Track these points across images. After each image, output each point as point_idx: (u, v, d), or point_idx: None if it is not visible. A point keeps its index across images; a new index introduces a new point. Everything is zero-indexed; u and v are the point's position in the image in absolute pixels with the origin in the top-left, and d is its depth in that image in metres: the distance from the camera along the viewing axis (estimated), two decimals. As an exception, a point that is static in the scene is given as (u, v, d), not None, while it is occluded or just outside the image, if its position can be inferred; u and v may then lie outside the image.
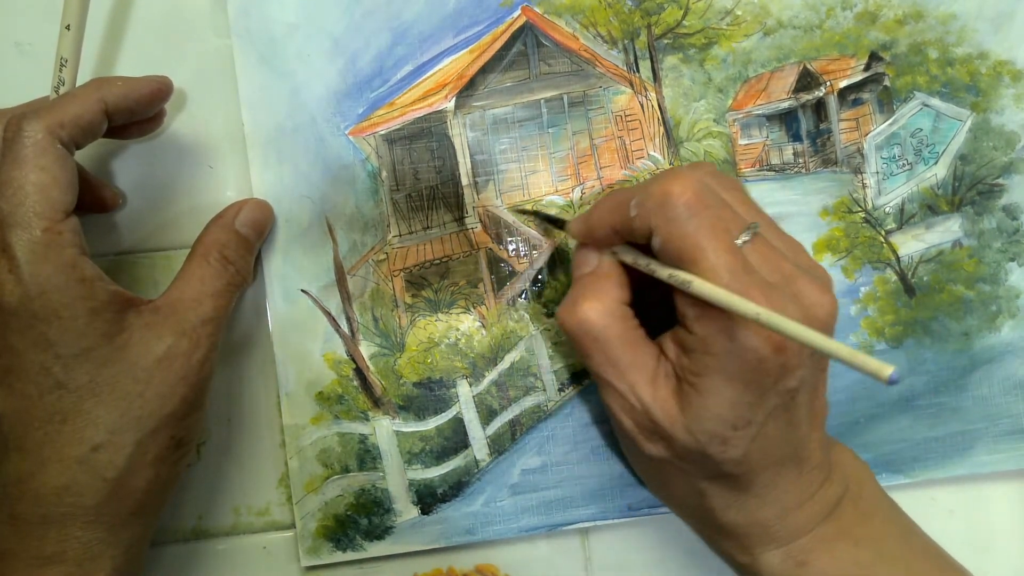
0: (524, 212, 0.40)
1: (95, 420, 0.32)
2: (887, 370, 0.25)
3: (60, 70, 0.34)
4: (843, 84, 0.41)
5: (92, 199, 0.38)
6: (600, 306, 0.33)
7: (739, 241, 0.31)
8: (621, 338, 0.33)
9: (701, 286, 0.29)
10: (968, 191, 0.41)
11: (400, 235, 0.40)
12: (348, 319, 0.40)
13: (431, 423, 0.40)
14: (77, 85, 0.34)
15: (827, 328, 0.31)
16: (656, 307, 0.34)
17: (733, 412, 0.31)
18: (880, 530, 0.35)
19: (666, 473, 0.35)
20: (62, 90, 0.34)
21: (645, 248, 0.33)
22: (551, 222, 0.39)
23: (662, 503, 0.39)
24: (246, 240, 0.37)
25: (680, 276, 0.30)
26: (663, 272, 0.31)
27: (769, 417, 0.31)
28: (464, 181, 0.40)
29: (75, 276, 0.31)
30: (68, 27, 0.34)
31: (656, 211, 0.31)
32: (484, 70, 0.40)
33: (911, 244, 0.41)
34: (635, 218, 0.31)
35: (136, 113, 0.35)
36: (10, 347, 0.31)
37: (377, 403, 0.40)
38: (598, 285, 0.34)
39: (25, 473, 0.32)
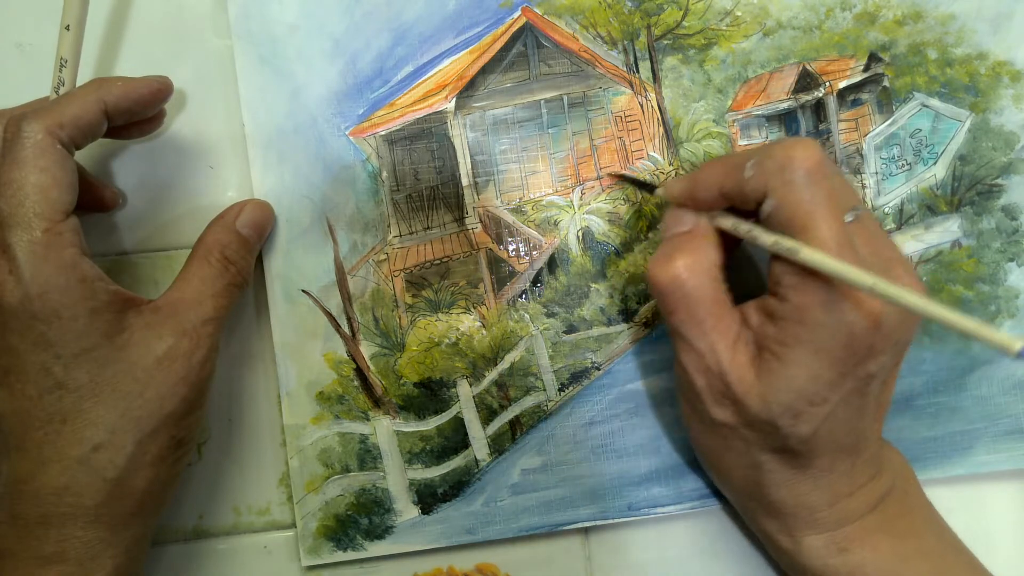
0: (612, 175, 0.40)
1: (95, 420, 0.32)
2: (1017, 344, 0.25)
3: (60, 70, 0.34)
4: (842, 85, 0.41)
5: (92, 199, 0.38)
6: (695, 264, 0.33)
7: (847, 218, 0.31)
8: (711, 298, 0.33)
9: (811, 254, 0.29)
10: (967, 191, 0.41)
11: (400, 235, 0.40)
12: (348, 319, 0.40)
13: (431, 423, 0.40)
14: (77, 85, 0.34)
15: (916, 321, 0.31)
16: (735, 279, 0.34)
17: (812, 386, 0.31)
18: (920, 526, 0.35)
19: (726, 440, 0.35)
20: (62, 90, 0.34)
21: (745, 216, 0.33)
22: (640, 185, 0.39)
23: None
24: (247, 241, 0.37)
25: (786, 243, 0.30)
26: (767, 238, 0.31)
27: (843, 399, 0.31)
28: (464, 181, 0.40)
29: (75, 276, 0.31)
30: (68, 27, 0.34)
31: (776, 173, 0.31)
32: (484, 71, 0.40)
33: (910, 244, 0.41)
34: (751, 179, 0.31)
35: (136, 113, 0.35)
36: (10, 347, 0.31)
37: (377, 403, 0.40)
38: (695, 243, 0.34)
39: (25, 473, 0.32)
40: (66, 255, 0.31)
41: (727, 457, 0.36)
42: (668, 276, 0.33)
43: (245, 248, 0.37)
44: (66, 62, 0.34)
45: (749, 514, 0.37)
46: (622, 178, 0.40)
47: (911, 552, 0.34)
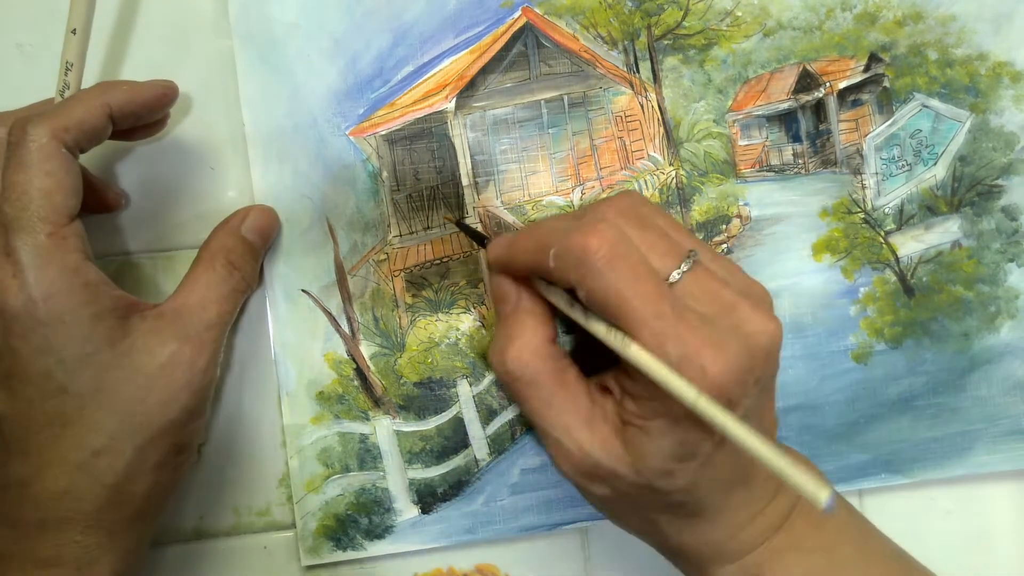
0: (448, 219, 0.39)
1: (96, 425, 0.32)
2: (823, 495, 0.24)
3: (65, 74, 0.34)
4: (843, 85, 0.41)
5: (96, 200, 0.38)
6: (524, 346, 0.32)
7: (677, 273, 0.30)
8: (551, 379, 0.32)
9: (638, 355, 0.28)
10: (967, 192, 0.41)
11: (400, 235, 0.40)
12: (349, 319, 0.40)
13: (431, 423, 0.40)
14: (82, 89, 0.34)
15: (771, 354, 0.30)
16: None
17: (681, 449, 0.30)
18: (832, 537, 0.34)
19: (614, 505, 0.34)
20: (67, 94, 0.34)
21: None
22: (473, 236, 0.38)
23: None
24: (252, 246, 0.37)
25: (616, 339, 0.29)
26: (600, 329, 0.30)
27: (716, 448, 0.31)
28: (464, 181, 0.40)
29: (79, 281, 0.31)
30: (74, 31, 0.34)
31: (575, 267, 0.29)
32: (484, 71, 0.40)
33: (910, 245, 0.41)
34: (554, 269, 0.30)
35: (141, 117, 0.35)
36: (13, 351, 0.31)
37: (377, 403, 0.40)
38: (520, 323, 0.33)
39: (25, 476, 0.32)
40: (70, 260, 0.31)
41: (620, 516, 0.35)
42: (501, 367, 0.32)
43: (250, 254, 0.37)
44: (71, 66, 0.34)
45: (664, 556, 0.36)
46: (458, 225, 0.39)
47: (822, 566, 0.33)
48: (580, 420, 0.32)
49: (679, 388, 0.27)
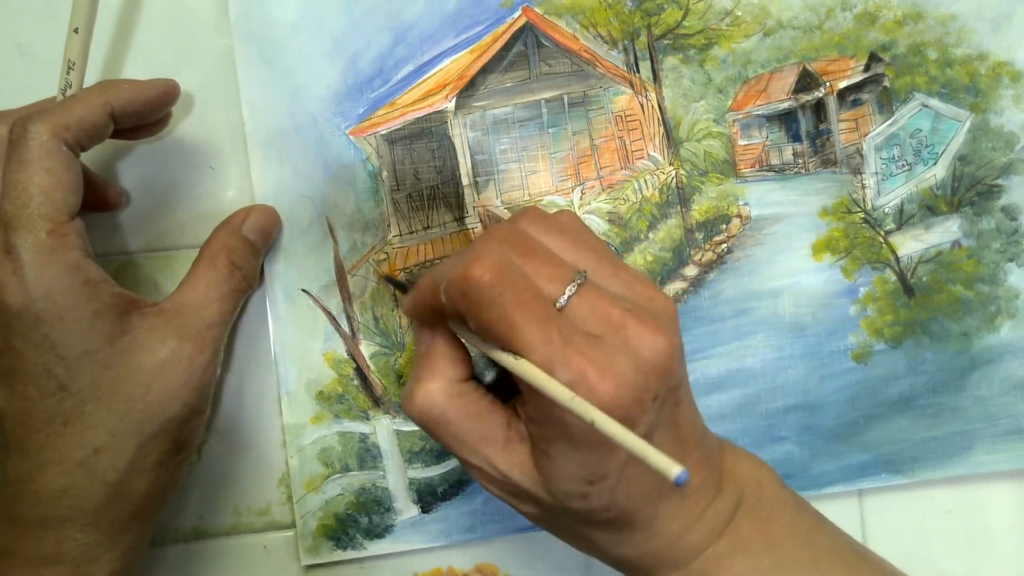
0: (379, 275, 0.40)
1: (96, 423, 0.32)
2: (675, 469, 0.25)
3: (67, 72, 0.34)
4: (842, 85, 0.41)
5: (96, 199, 0.38)
6: (436, 388, 0.32)
7: (564, 296, 0.29)
8: (464, 415, 0.32)
9: (522, 368, 0.28)
10: (967, 192, 0.41)
11: (400, 235, 0.40)
12: (348, 318, 0.40)
13: (431, 422, 0.40)
14: (84, 87, 0.34)
15: (665, 369, 0.29)
16: None
17: (585, 471, 0.30)
18: (779, 535, 0.33)
19: (548, 524, 0.34)
20: (69, 92, 0.34)
21: None
22: (397, 286, 0.39)
23: None
24: (253, 246, 0.37)
25: (504, 358, 0.29)
26: (494, 352, 0.30)
27: (626, 465, 0.30)
28: (465, 181, 0.40)
29: (79, 278, 0.31)
30: (76, 30, 0.34)
31: (460, 299, 0.29)
32: (484, 70, 0.40)
33: (910, 244, 0.41)
34: (446, 304, 0.30)
35: (142, 116, 0.35)
36: (13, 348, 0.31)
37: (377, 402, 0.40)
38: (432, 365, 0.33)
39: (25, 474, 0.32)
40: (70, 257, 0.31)
41: (555, 531, 0.35)
42: (414, 410, 0.32)
43: (251, 253, 0.37)
44: (73, 64, 0.34)
45: (605, 564, 0.36)
46: (387, 279, 0.39)
47: (769, 567, 0.32)
48: (497, 448, 0.32)
49: (555, 390, 0.27)
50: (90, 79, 0.36)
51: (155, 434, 0.33)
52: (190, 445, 0.35)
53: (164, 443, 0.33)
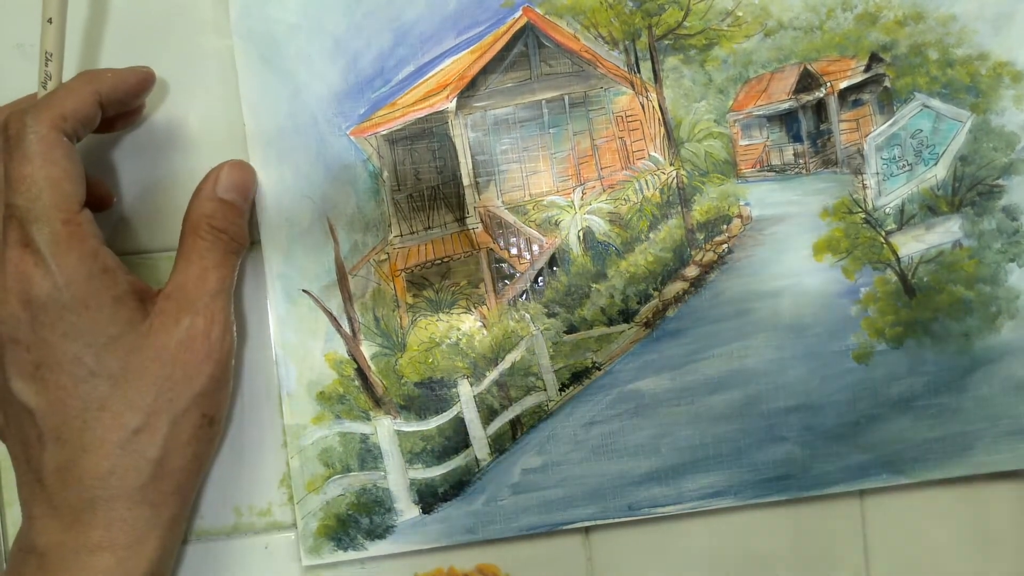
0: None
1: (132, 404, 0.33)
2: None
3: (46, 64, 0.34)
4: (843, 85, 0.41)
5: (91, 197, 0.38)
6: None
7: None
8: None
9: None
10: (968, 192, 0.41)
11: (401, 235, 0.40)
12: (349, 319, 0.40)
13: (432, 423, 0.40)
14: (64, 79, 0.34)
15: None
16: None
17: None
18: None
19: None
20: (49, 84, 0.34)
21: None
22: None
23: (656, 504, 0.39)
24: (232, 205, 0.37)
25: None
26: None
27: None
28: (465, 181, 0.40)
29: (98, 266, 0.32)
30: (50, 20, 0.34)
31: None
32: (485, 71, 0.40)
33: (911, 245, 0.41)
34: None
35: (125, 104, 0.36)
36: (41, 340, 0.32)
37: (378, 403, 0.40)
38: None
39: (66, 461, 0.32)
40: (87, 245, 0.32)
41: None
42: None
43: (233, 213, 0.37)
44: (51, 56, 0.34)
45: None
46: None
47: None
48: None
49: None
50: (69, 73, 0.36)
51: (186, 409, 0.34)
52: (219, 419, 0.36)
53: (195, 417, 0.34)
